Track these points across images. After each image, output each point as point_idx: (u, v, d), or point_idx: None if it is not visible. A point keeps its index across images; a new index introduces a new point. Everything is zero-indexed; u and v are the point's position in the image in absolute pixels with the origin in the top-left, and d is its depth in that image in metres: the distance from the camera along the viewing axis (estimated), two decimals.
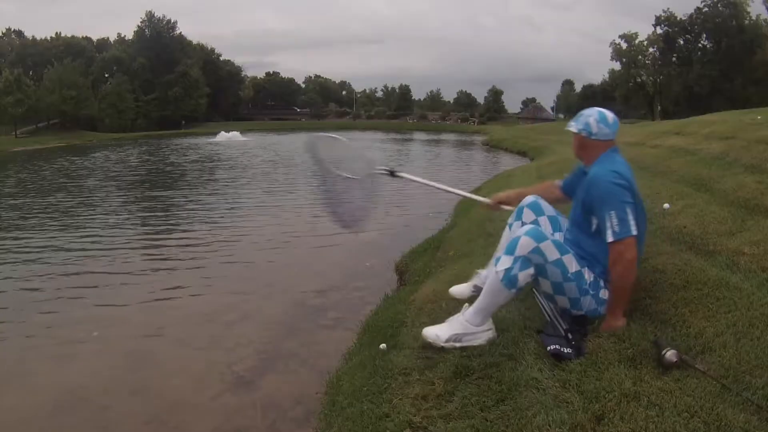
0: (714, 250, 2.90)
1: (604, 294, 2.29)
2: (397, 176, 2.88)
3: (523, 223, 2.53)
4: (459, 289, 2.87)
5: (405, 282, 4.62)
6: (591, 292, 2.28)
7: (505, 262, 2.21)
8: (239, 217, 8.99)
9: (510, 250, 2.21)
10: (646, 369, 1.88)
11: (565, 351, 2.08)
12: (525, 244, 2.18)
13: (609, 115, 2.34)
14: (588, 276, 2.28)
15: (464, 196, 3.15)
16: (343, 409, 2.30)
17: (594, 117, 2.33)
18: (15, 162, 23.36)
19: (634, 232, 2.13)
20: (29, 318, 4.40)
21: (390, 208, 9.21)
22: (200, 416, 2.89)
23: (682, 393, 1.70)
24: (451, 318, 2.42)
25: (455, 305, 2.60)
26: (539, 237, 2.20)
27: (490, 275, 2.32)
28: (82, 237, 7.55)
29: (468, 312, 2.35)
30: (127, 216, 9.39)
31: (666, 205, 3.97)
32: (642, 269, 2.76)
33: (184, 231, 7.96)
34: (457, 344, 2.32)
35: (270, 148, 29.66)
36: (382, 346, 2.73)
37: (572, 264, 2.24)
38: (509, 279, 2.19)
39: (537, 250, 2.17)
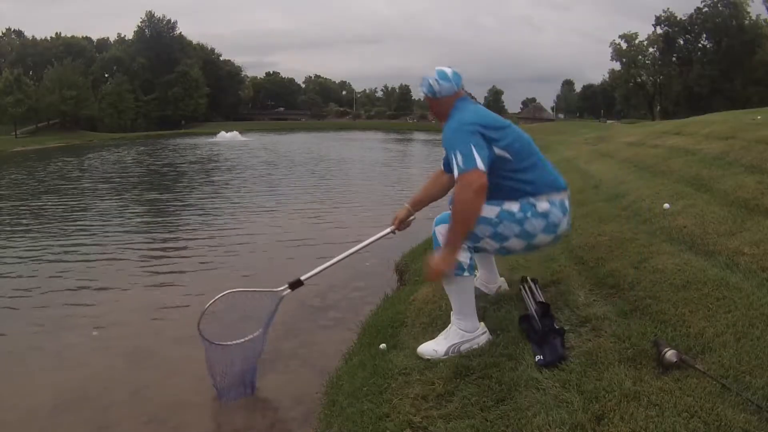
0: (714, 250, 2.90)
1: (541, 207, 2.27)
2: (304, 281, 2.85)
3: None
4: None
5: (405, 282, 4.62)
6: (528, 214, 2.27)
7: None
8: (238, 217, 8.99)
9: (435, 245, 2.33)
10: (646, 369, 1.88)
11: (548, 359, 2.07)
12: (441, 233, 2.29)
13: (447, 70, 2.43)
14: (513, 206, 2.28)
15: (372, 243, 2.82)
16: (343, 409, 2.30)
17: (434, 77, 2.41)
18: (12, 162, 23.37)
19: (481, 166, 2.11)
20: (28, 318, 4.40)
21: (389, 208, 9.21)
22: (200, 416, 2.88)
23: (682, 393, 1.70)
24: (444, 331, 2.41)
25: None
26: (446, 218, 2.30)
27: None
28: (81, 237, 7.55)
29: (456, 320, 2.36)
30: (126, 216, 9.39)
31: (666, 205, 3.97)
32: (642, 269, 2.77)
33: (184, 232, 7.95)
34: (456, 354, 2.32)
35: (270, 148, 29.68)
36: (382, 346, 2.73)
37: (490, 211, 2.26)
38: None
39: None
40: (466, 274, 2.26)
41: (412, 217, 2.73)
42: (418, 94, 2.55)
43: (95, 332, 4.07)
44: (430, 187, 2.75)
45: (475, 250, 2.38)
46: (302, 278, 2.84)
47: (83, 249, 6.78)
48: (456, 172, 2.14)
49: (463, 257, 2.25)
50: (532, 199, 2.29)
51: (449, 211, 2.40)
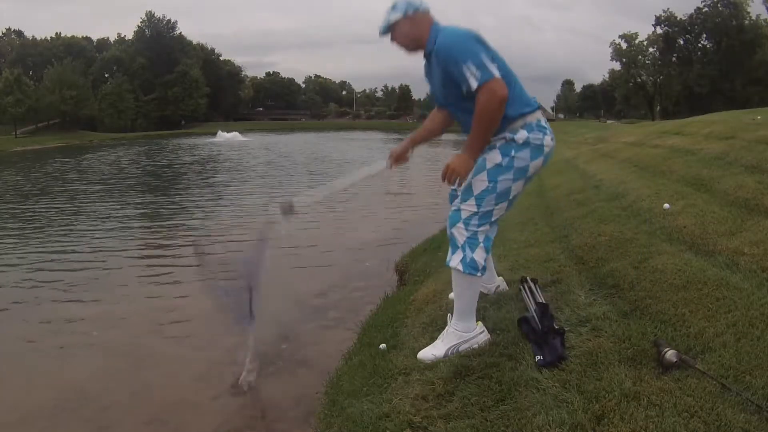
0: (714, 250, 2.90)
1: (520, 137, 2.21)
2: (295, 208, 2.77)
3: None
4: None
5: (405, 282, 4.62)
6: (512, 153, 2.20)
7: (455, 257, 2.22)
8: (239, 217, 8.99)
9: (453, 247, 2.24)
10: (646, 369, 1.88)
11: (548, 359, 2.07)
12: (459, 232, 2.22)
13: None
14: (495, 158, 2.22)
15: (366, 177, 2.79)
16: (343, 409, 2.30)
17: None
18: (10, 162, 23.35)
19: (497, 74, 2.08)
20: (29, 318, 4.40)
21: (389, 208, 9.22)
22: (200, 416, 2.88)
23: (682, 393, 1.70)
24: (441, 334, 2.40)
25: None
26: (456, 217, 2.24)
27: (453, 275, 2.30)
28: (81, 238, 7.55)
29: (454, 321, 2.35)
30: (126, 217, 9.39)
31: (666, 205, 3.97)
32: (642, 269, 2.77)
33: (184, 232, 7.96)
34: (455, 355, 2.31)
35: (270, 148, 29.68)
36: (382, 346, 2.73)
37: (482, 182, 2.22)
38: (468, 265, 2.20)
39: (466, 222, 2.21)
40: (479, 274, 2.22)
41: (409, 153, 2.64)
42: (386, 25, 2.31)
43: (95, 332, 4.07)
44: (428, 125, 2.67)
45: (491, 224, 2.33)
46: (293, 204, 2.73)
47: (83, 250, 6.79)
48: (474, 84, 2.06)
49: (479, 257, 2.20)
50: (509, 135, 2.21)
51: (458, 210, 2.28)
